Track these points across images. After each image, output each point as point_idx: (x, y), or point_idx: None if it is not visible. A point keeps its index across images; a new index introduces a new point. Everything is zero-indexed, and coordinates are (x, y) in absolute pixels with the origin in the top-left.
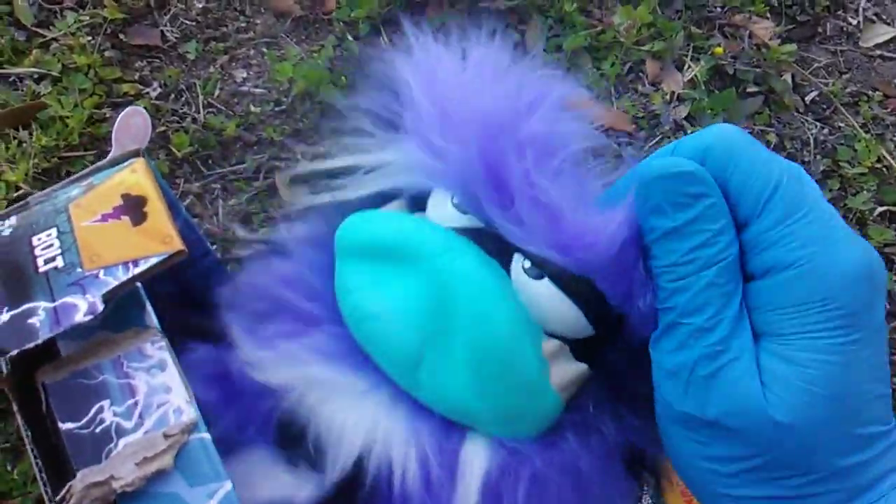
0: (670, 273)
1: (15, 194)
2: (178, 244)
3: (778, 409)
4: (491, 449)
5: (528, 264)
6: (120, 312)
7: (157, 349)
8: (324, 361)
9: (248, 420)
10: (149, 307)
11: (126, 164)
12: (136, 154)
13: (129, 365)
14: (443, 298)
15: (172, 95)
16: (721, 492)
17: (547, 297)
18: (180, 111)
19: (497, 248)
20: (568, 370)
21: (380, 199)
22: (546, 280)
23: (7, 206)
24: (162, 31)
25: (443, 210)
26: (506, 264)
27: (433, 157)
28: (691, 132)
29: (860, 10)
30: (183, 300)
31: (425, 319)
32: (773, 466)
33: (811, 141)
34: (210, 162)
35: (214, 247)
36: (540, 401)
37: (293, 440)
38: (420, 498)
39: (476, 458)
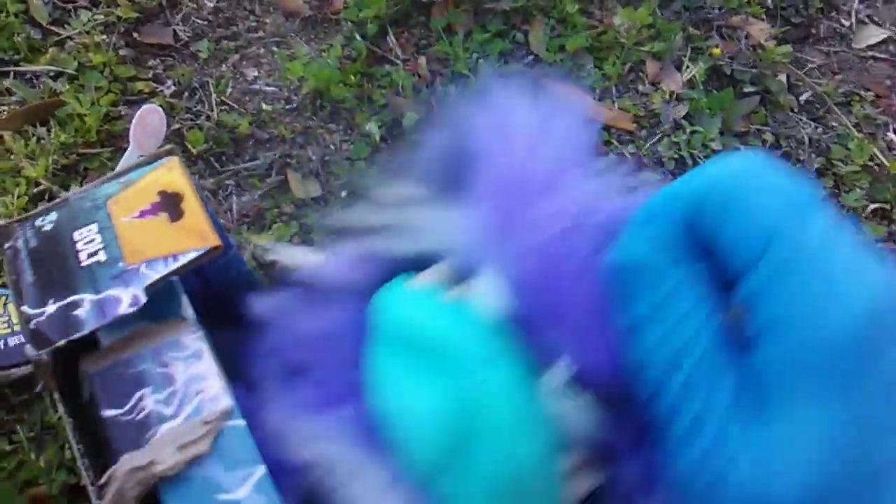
0: (644, 375)
1: (35, 190)
2: (214, 240)
3: (790, 493)
4: None
5: (567, 377)
6: (157, 304)
7: (194, 339)
8: (351, 443)
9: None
10: (184, 299)
11: (161, 162)
12: (170, 153)
13: (168, 354)
14: (472, 414)
15: (186, 93)
16: None
17: (584, 409)
18: (194, 109)
19: (540, 348)
20: (584, 483)
21: (425, 260)
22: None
23: (28, 202)
24: (174, 30)
25: (492, 290)
26: (544, 365)
27: (497, 250)
28: (690, 131)
29: (853, 12)
30: (206, 295)
31: (452, 431)
32: None
33: (806, 140)
34: (224, 159)
35: None
36: None
37: None
38: None
39: None
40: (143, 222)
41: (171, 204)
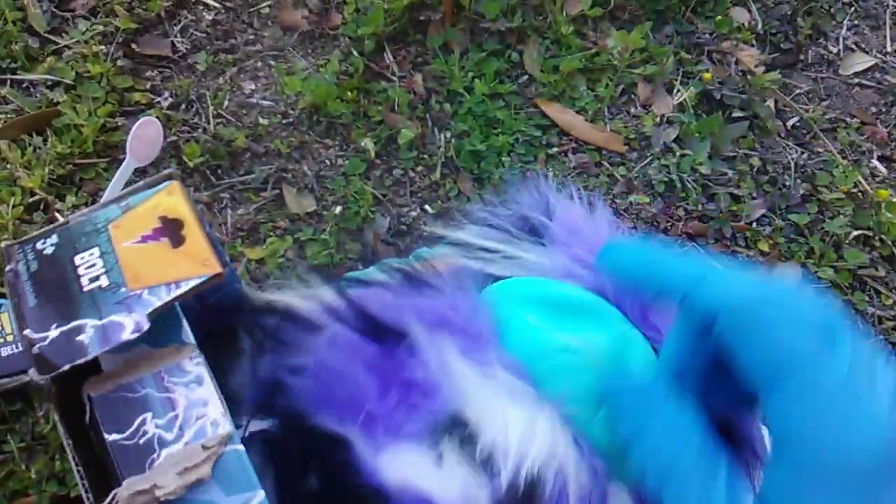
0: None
1: (30, 200)
2: (217, 267)
3: None
4: (631, 501)
5: None
6: (159, 329)
7: (195, 365)
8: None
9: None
10: (185, 324)
11: (161, 186)
12: (170, 176)
13: (170, 380)
14: (624, 353)
15: (183, 105)
16: None
17: None
18: (191, 121)
19: None
20: None
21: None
22: None
23: (23, 212)
24: (172, 42)
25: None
26: None
27: (575, 264)
28: (680, 154)
29: (841, 38)
30: (200, 310)
31: (612, 363)
32: None
33: (792, 165)
34: (219, 172)
35: None
36: None
37: (462, 439)
38: None
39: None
40: (144, 247)
41: (172, 230)
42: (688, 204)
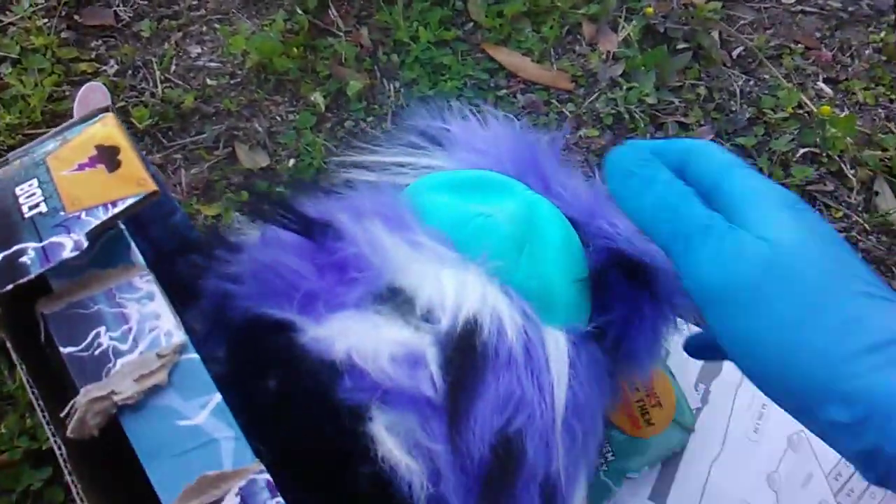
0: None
1: None
2: (151, 185)
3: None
4: (566, 339)
5: None
6: (108, 252)
7: (146, 282)
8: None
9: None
10: (134, 247)
11: (96, 118)
12: (105, 110)
13: (121, 296)
14: (534, 210)
15: (130, 72)
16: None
17: None
18: (138, 86)
19: None
20: None
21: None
22: None
23: None
24: (115, 12)
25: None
26: None
27: (476, 156)
28: (627, 88)
29: None
30: (156, 258)
31: (525, 219)
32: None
33: (738, 92)
34: (170, 134)
35: None
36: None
37: (399, 304)
38: (523, 367)
39: (559, 344)
40: (82, 174)
41: (108, 156)
42: (637, 134)
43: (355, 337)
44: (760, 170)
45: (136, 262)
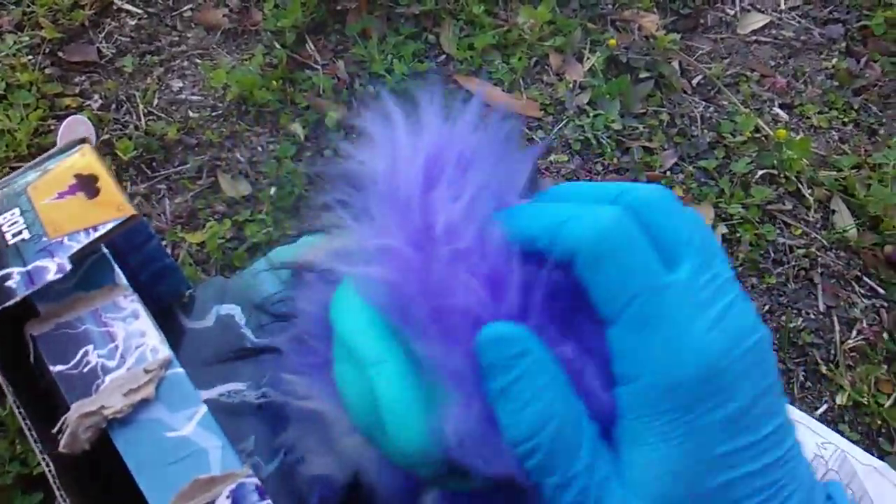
0: (510, 436)
1: None
2: (131, 210)
3: None
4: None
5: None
6: (92, 275)
7: (130, 301)
8: (329, 401)
9: None
10: (117, 269)
11: (75, 149)
12: (82, 141)
13: (107, 315)
14: (372, 395)
15: (113, 106)
16: None
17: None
18: (122, 120)
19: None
20: None
21: None
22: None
23: None
24: (98, 48)
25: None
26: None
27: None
28: (593, 115)
29: (737, 0)
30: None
31: (364, 404)
32: None
33: (698, 118)
34: (154, 165)
35: (164, 241)
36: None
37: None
38: None
39: (431, 499)
40: (62, 202)
41: (87, 184)
42: (604, 159)
43: None
44: (722, 191)
45: (120, 283)
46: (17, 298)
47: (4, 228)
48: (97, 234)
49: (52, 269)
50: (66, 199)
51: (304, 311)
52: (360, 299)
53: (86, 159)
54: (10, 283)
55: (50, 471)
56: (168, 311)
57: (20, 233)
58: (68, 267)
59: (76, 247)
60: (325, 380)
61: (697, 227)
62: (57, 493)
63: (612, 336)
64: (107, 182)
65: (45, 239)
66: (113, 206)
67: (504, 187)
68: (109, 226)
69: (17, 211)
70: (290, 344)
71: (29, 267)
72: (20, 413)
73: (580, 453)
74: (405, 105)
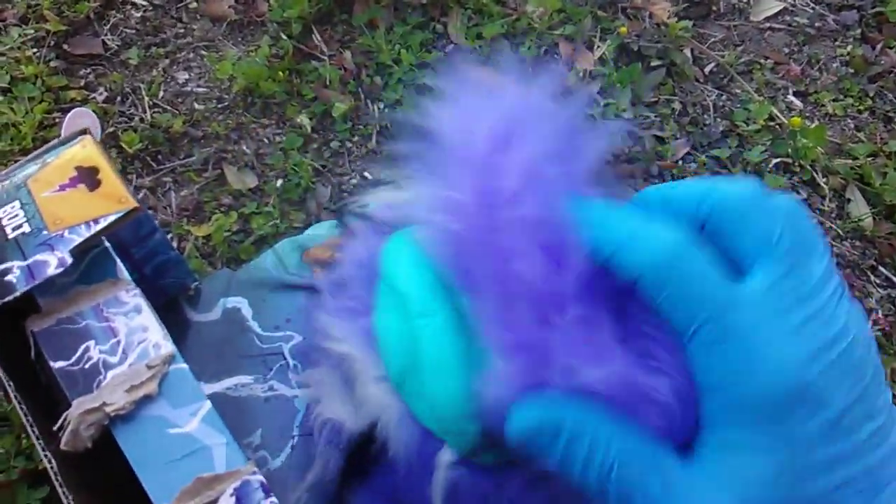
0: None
1: None
2: (132, 202)
3: None
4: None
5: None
6: (93, 269)
7: (132, 296)
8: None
9: None
10: (119, 263)
11: (75, 141)
12: (83, 133)
13: (108, 311)
14: (415, 349)
15: (119, 98)
16: None
17: None
18: (127, 112)
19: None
20: None
21: None
22: None
23: None
24: (103, 41)
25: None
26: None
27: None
28: (604, 104)
29: None
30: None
31: (404, 354)
32: None
33: (711, 106)
34: (160, 157)
35: (169, 234)
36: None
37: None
38: (404, 475)
39: (445, 462)
40: (63, 194)
41: (88, 176)
42: (615, 149)
43: None
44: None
45: (122, 277)
46: (18, 293)
47: (4, 222)
48: (98, 227)
49: (53, 263)
50: (67, 191)
51: (350, 257)
52: (416, 249)
53: (87, 151)
54: (9, 277)
55: (52, 468)
56: (174, 304)
57: (20, 226)
58: (69, 261)
59: (77, 240)
60: (361, 326)
61: (789, 225)
62: (59, 490)
63: (690, 351)
64: (108, 174)
65: (45, 232)
66: (114, 199)
67: (574, 165)
68: (111, 218)
69: (17, 203)
70: (331, 286)
71: (29, 261)
72: (22, 409)
73: (650, 480)
74: (485, 70)
